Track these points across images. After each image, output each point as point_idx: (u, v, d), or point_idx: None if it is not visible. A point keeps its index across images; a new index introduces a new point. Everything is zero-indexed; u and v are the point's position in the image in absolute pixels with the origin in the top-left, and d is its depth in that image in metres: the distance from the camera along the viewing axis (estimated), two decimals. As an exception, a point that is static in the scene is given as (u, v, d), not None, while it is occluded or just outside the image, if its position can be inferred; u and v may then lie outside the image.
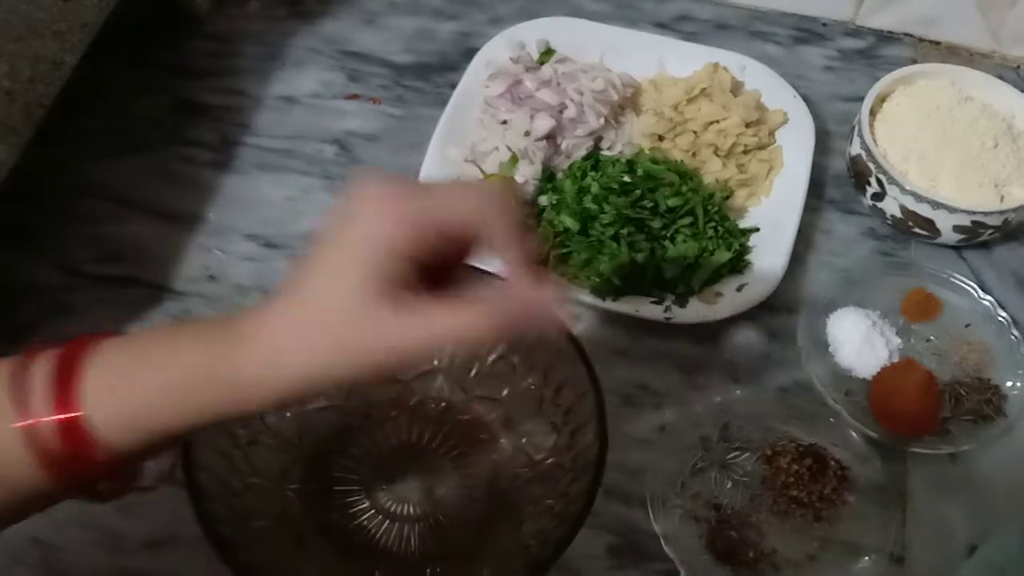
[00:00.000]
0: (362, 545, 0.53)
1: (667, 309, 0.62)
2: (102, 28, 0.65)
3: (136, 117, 0.73)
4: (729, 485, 0.58)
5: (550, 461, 0.53)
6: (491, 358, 0.57)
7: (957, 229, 0.65)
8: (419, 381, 0.58)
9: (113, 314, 0.63)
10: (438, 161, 0.68)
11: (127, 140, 0.72)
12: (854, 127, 0.68)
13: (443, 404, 0.58)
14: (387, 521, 0.54)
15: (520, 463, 0.55)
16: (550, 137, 0.69)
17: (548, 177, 0.68)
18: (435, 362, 0.58)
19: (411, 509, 0.55)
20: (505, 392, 0.57)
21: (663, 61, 0.74)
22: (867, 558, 0.55)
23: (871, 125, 0.68)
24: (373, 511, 0.54)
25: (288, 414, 0.54)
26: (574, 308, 0.61)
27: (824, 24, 0.82)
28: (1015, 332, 0.63)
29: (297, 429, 0.55)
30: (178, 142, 0.72)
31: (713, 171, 0.69)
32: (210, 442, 0.48)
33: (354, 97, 0.75)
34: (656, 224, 0.64)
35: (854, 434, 0.59)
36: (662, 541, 0.55)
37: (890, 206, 0.66)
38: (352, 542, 0.53)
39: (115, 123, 0.73)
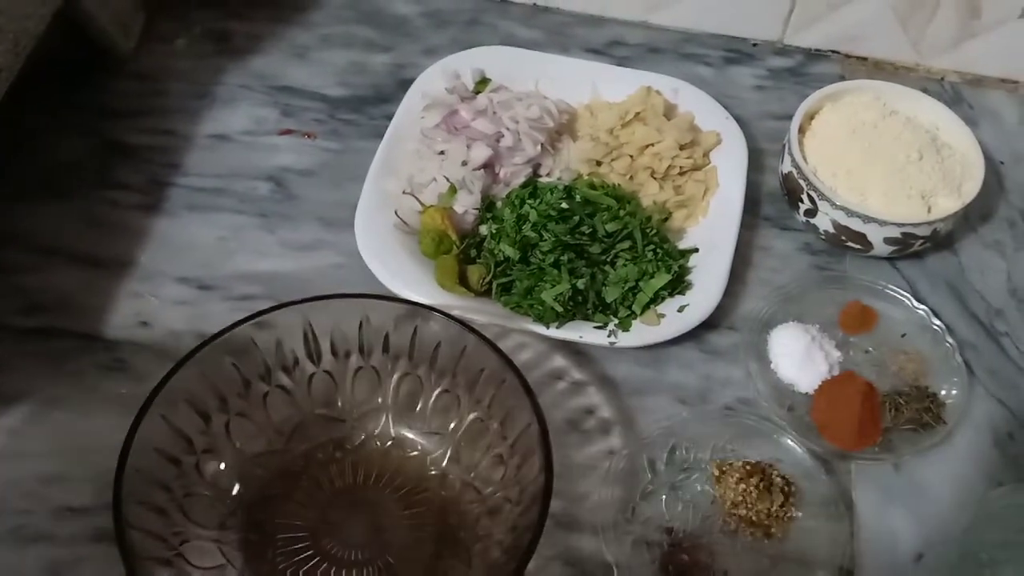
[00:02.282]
0: None
1: (611, 334, 0.62)
2: (20, 71, 0.63)
3: (59, 161, 0.71)
4: (680, 508, 0.57)
5: (498, 495, 0.53)
6: (435, 393, 0.56)
7: (888, 241, 0.66)
8: (362, 420, 0.57)
9: (40, 367, 0.60)
10: (375, 194, 0.67)
11: (50, 186, 0.69)
12: (784, 145, 0.69)
13: (389, 443, 0.57)
14: (333, 567, 0.53)
15: (469, 499, 0.55)
16: (488, 166, 0.68)
17: (488, 206, 0.68)
18: (379, 400, 0.57)
19: (358, 554, 0.53)
20: (451, 427, 0.56)
21: (597, 86, 0.75)
22: (817, 573, 0.55)
23: (800, 142, 0.69)
24: (319, 558, 0.53)
25: (223, 465, 0.53)
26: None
27: (753, 44, 0.84)
28: (950, 340, 0.65)
29: (236, 478, 0.53)
30: (104, 185, 0.70)
31: (651, 194, 0.69)
32: (142, 498, 0.47)
33: (287, 132, 0.74)
34: (596, 249, 0.64)
35: (799, 449, 0.59)
36: (615, 570, 0.54)
37: (822, 222, 0.67)
38: None
39: (37, 169, 0.70)
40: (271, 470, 0.55)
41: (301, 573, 0.52)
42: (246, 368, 0.54)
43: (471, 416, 0.55)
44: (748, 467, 0.58)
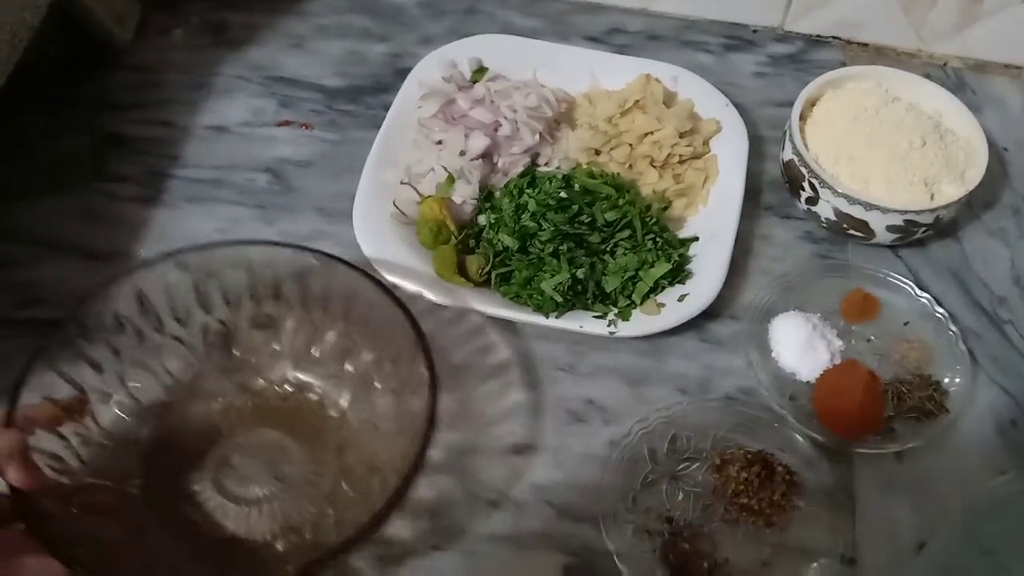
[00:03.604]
0: (211, 534, 0.53)
1: (610, 323, 0.62)
2: (19, 66, 0.63)
3: (57, 154, 0.71)
4: (680, 497, 0.57)
5: (394, 428, 0.54)
6: (330, 337, 0.58)
7: (891, 229, 0.65)
8: (261, 367, 0.58)
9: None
10: (373, 185, 0.67)
11: (49, 179, 0.69)
12: (785, 132, 0.68)
13: (289, 388, 0.58)
14: (234, 505, 0.54)
15: (368, 435, 0.56)
16: (486, 156, 0.68)
17: (487, 196, 0.67)
18: (275, 347, 0.58)
19: (258, 491, 0.54)
20: (348, 369, 0.57)
21: (596, 75, 0.74)
22: (818, 562, 0.55)
23: (801, 130, 0.68)
24: (220, 497, 0.54)
25: (122, 415, 0.54)
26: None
27: (754, 31, 0.83)
28: (953, 328, 0.64)
29: (135, 427, 0.54)
30: (102, 178, 0.70)
31: (650, 182, 0.69)
32: (39, 445, 0.48)
33: (285, 123, 0.74)
34: (595, 239, 0.64)
35: (800, 438, 0.59)
36: (615, 558, 0.54)
37: (824, 209, 0.67)
38: (200, 533, 0.53)
39: (36, 162, 0.70)
40: (171, 419, 0.56)
41: (202, 511, 0.53)
42: (137, 319, 0.54)
43: (366, 357, 0.56)
44: (749, 456, 0.57)
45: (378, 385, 0.56)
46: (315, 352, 0.58)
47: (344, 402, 0.57)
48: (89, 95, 0.74)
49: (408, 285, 0.61)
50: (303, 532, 0.53)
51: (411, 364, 0.52)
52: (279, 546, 0.53)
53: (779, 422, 0.59)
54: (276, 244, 0.56)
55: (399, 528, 0.55)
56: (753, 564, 0.55)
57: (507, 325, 0.63)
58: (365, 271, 0.55)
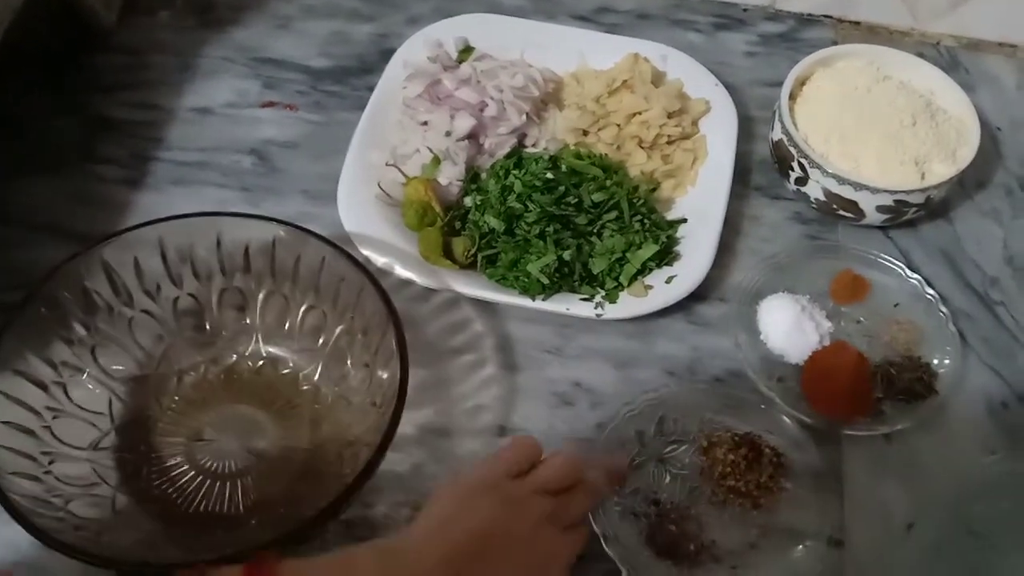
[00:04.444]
0: (186, 509, 0.53)
1: (598, 306, 0.61)
2: (5, 48, 0.62)
3: (44, 137, 0.70)
4: (667, 479, 0.57)
5: (366, 401, 0.54)
6: (301, 310, 0.58)
7: (881, 209, 0.65)
8: (233, 342, 0.59)
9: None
10: (358, 166, 0.66)
11: (35, 161, 0.69)
12: (775, 112, 0.68)
13: (260, 362, 0.58)
14: (208, 480, 0.54)
15: (340, 408, 0.56)
16: (472, 136, 0.67)
17: (472, 177, 0.67)
18: (246, 320, 0.58)
19: (232, 465, 0.55)
20: (320, 342, 0.57)
21: (584, 54, 0.73)
22: (805, 544, 0.55)
23: (791, 109, 0.68)
24: (193, 472, 0.54)
25: (93, 388, 0.54)
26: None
27: (744, 9, 0.82)
28: (943, 309, 0.64)
29: (107, 400, 0.55)
30: (88, 160, 0.69)
31: (638, 163, 0.68)
32: (6, 418, 0.49)
33: (270, 105, 0.73)
34: (582, 220, 0.63)
35: (788, 420, 0.58)
36: (603, 541, 0.54)
37: (813, 190, 0.66)
38: (175, 508, 0.53)
39: (23, 145, 0.70)
40: (143, 392, 0.56)
41: (176, 486, 0.54)
42: (106, 293, 0.54)
43: (337, 330, 0.56)
44: (737, 438, 0.57)
45: (350, 359, 0.56)
46: (287, 326, 0.58)
47: (317, 376, 0.57)
48: (76, 77, 0.73)
49: (394, 268, 0.61)
50: (277, 506, 0.53)
51: (383, 337, 0.52)
52: (253, 521, 0.53)
53: (767, 404, 0.59)
54: (244, 216, 0.56)
55: (375, 499, 0.55)
56: (740, 546, 0.55)
57: (493, 307, 0.63)
58: (334, 243, 0.55)
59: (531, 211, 0.62)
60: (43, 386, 0.52)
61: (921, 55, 0.72)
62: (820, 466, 0.57)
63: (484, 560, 0.45)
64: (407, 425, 0.50)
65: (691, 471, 0.57)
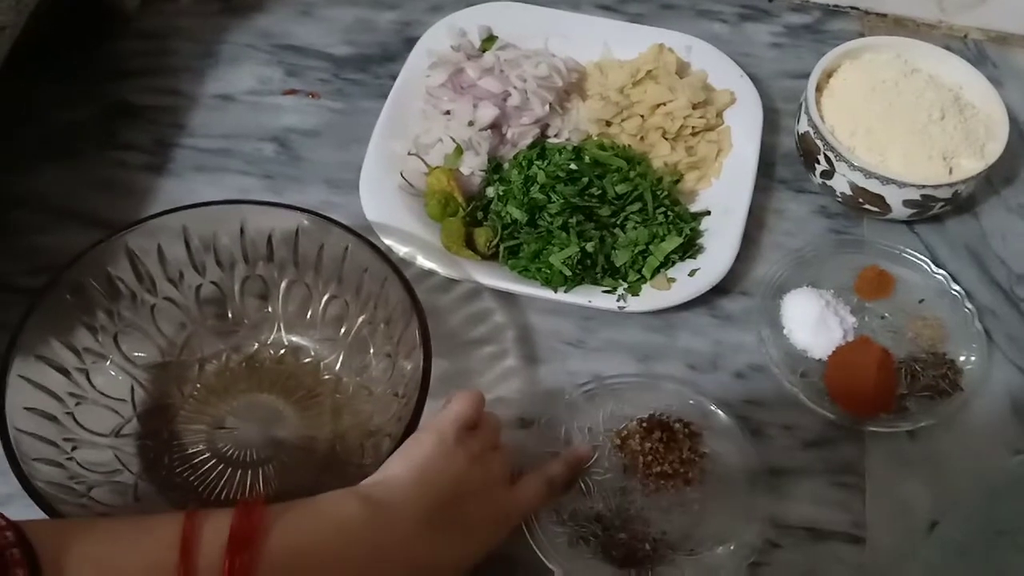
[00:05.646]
0: (207, 497, 0.53)
1: (620, 298, 0.61)
2: (28, 34, 0.62)
3: (66, 123, 0.70)
4: (596, 489, 0.55)
5: (388, 391, 0.54)
6: (324, 299, 0.57)
7: (907, 204, 0.64)
8: (255, 330, 0.58)
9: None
10: (380, 156, 0.66)
11: (57, 147, 0.69)
12: (801, 104, 0.67)
13: (282, 351, 0.58)
14: (230, 468, 0.54)
15: (361, 398, 0.56)
16: (495, 126, 0.67)
17: (495, 168, 0.66)
18: (269, 309, 0.58)
19: (254, 454, 0.55)
20: (342, 331, 0.57)
21: (608, 44, 0.73)
22: (737, 478, 0.55)
23: (818, 102, 0.67)
24: (215, 460, 0.54)
25: (116, 375, 0.54)
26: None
27: (770, 0, 0.81)
28: (969, 305, 0.63)
29: (130, 387, 0.55)
30: (111, 146, 0.69)
31: (662, 155, 0.67)
32: (28, 404, 0.49)
33: (292, 92, 0.73)
34: (605, 212, 0.63)
35: (672, 385, 0.58)
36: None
37: (839, 183, 0.65)
38: (196, 496, 0.53)
39: (46, 131, 0.70)
40: (165, 380, 0.56)
41: (198, 474, 0.54)
42: (130, 280, 0.54)
43: (360, 319, 0.56)
44: (644, 424, 0.56)
45: (372, 348, 0.56)
46: (309, 315, 0.58)
47: (338, 365, 0.57)
48: (98, 63, 0.73)
49: (416, 258, 0.60)
50: (298, 495, 0.52)
51: (406, 327, 0.52)
52: None
53: (791, 399, 0.58)
54: (268, 204, 0.56)
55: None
56: (687, 526, 0.54)
57: (514, 299, 0.63)
58: (357, 232, 0.54)
59: (554, 202, 0.62)
60: (66, 372, 0.52)
61: (948, 48, 0.71)
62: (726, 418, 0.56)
63: (458, 506, 0.46)
64: (427, 416, 0.50)
65: (615, 472, 0.56)
